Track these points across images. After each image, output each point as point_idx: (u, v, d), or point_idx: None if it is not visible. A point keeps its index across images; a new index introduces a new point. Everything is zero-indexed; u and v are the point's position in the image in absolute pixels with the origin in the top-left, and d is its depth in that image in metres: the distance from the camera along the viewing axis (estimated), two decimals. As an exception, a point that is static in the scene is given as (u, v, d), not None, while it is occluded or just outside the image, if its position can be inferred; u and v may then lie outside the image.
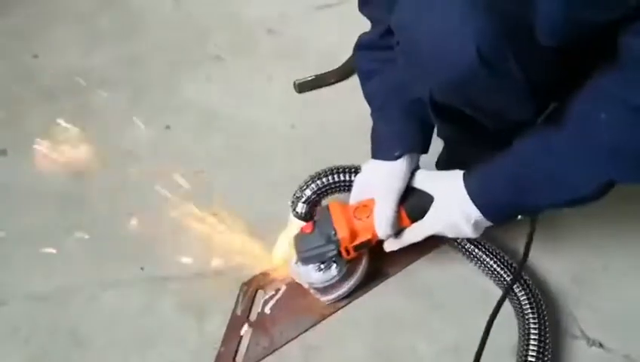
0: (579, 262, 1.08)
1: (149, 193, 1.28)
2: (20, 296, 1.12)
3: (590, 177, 0.78)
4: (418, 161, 0.99)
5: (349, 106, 1.45)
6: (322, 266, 1.00)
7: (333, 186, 1.06)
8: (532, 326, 0.94)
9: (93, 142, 1.42)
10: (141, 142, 1.41)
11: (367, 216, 0.95)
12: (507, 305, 0.98)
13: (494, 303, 1.00)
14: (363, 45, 1.05)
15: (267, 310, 1.06)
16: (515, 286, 0.97)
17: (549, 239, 1.01)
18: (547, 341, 0.92)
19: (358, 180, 1.01)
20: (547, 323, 0.94)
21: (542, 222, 0.97)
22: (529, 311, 0.95)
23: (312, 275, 1.01)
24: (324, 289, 1.02)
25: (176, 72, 1.60)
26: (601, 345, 0.98)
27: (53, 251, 1.19)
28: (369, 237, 0.96)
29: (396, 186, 0.94)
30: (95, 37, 1.74)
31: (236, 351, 1.00)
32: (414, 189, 0.95)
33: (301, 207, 1.05)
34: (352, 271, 1.03)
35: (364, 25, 1.57)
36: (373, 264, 1.06)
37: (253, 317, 1.05)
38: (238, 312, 1.05)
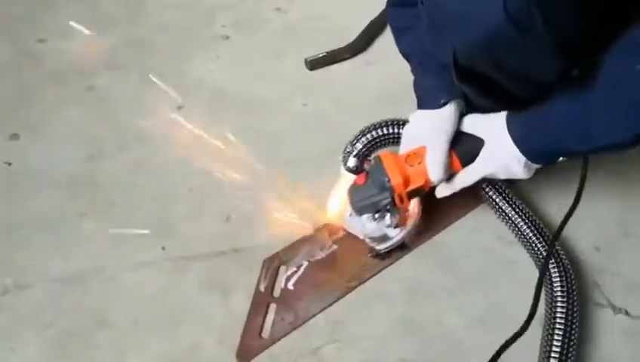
0: (601, 230, 1.08)
1: (165, 173, 1.28)
2: (41, 280, 1.11)
3: (626, 127, 0.78)
4: (463, 106, 0.98)
5: (362, 82, 1.45)
6: (376, 216, 1.00)
7: (383, 139, 1.07)
8: (559, 295, 0.94)
9: (105, 124, 1.41)
10: (154, 123, 1.39)
11: (419, 163, 0.96)
12: (534, 273, 0.97)
13: (519, 273, 1.01)
14: (394, 2, 1.04)
15: (290, 286, 1.05)
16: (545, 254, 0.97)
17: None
18: (575, 309, 0.92)
19: (406, 130, 1.02)
20: (575, 293, 0.94)
21: (563, 191, 0.97)
22: (557, 279, 0.95)
23: (366, 226, 1.02)
24: (379, 239, 1.03)
25: (184, 53, 1.58)
26: (627, 313, 0.98)
27: (71, 234, 1.19)
28: (422, 182, 0.96)
29: (446, 130, 0.94)
30: (101, 20, 1.71)
31: (262, 327, 1.00)
32: (464, 133, 0.96)
33: (352, 161, 1.07)
34: (406, 219, 1.05)
35: (371, 1, 1.57)
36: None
37: (276, 293, 1.05)
38: (262, 289, 1.05)
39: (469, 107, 1.01)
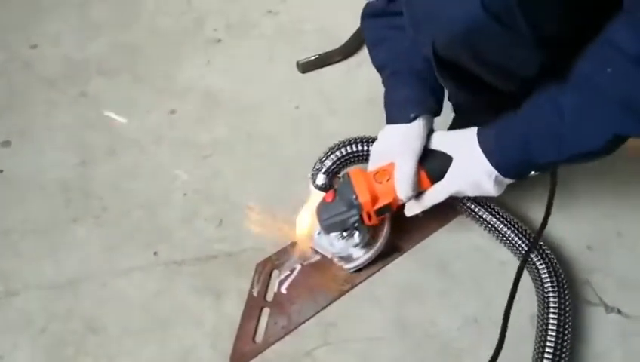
0: (593, 229, 1.08)
1: (157, 178, 1.28)
2: (32, 286, 1.11)
3: (600, 132, 0.78)
4: (433, 123, 0.98)
5: (354, 85, 1.44)
6: (345, 234, 1.00)
7: (352, 156, 1.05)
8: (551, 295, 0.93)
9: (97, 129, 1.40)
10: (146, 128, 1.39)
11: (388, 180, 0.95)
12: (525, 275, 0.98)
13: (511, 273, 1.00)
14: (370, 13, 1.05)
15: (283, 290, 1.05)
16: (532, 254, 0.97)
17: (562, 207, 1.01)
18: (567, 309, 0.92)
19: (375, 147, 1.01)
20: (567, 292, 0.94)
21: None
22: (547, 279, 0.95)
23: (335, 244, 1.01)
24: (348, 258, 1.02)
25: (176, 57, 1.58)
26: (619, 311, 0.98)
27: (63, 240, 1.18)
28: (390, 200, 0.96)
29: (414, 146, 0.93)
30: (93, 25, 1.71)
31: (255, 331, 1.00)
32: (432, 150, 0.95)
33: (321, 178, 1.05)
34: (375, 237, 1.03)
35: (362, 3, 1.56)
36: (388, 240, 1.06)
37: (269, 297, 1.05)
38: (255, 293, 1.05)
39: (455, 111, 1.02)
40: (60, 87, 1.53)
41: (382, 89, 1.35)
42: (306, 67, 1.47)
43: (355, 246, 1.02)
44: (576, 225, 1.08)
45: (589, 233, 1.07)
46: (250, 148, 1.32)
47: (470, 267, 1.05)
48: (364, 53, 1.52)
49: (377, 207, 0.96)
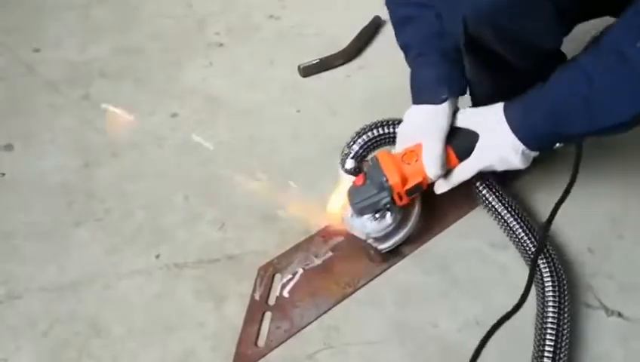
0: (594, 232, 1.08)
1: (160, 181, 1.28)
2: (35, 289, 1.11)
3: (626, 106, 0.79)
4: (457, 102, 1.00)
5: (355, 88, 1.45)
6: (377, 216, 1.02)
7: (379, 139, 1.08)
8: (551, 297, 0.94)
9: (99, 132, 1.41)
10: (148, 131, 1.40)
11: (416, 160, 0.97)
12: (524, 275, 0.97)
13: (512, 276, 1.02)
14: None
15: (285, 293, 1.05)
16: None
17: (562, 209, 1.01)
18: (566, 311, 0.92)
19: (401, 129, 1.03)
20: (567, 294, 0.94)
21: (553, 191, 0.97)
22: (549, 281, 0.95)
23: (367, 226, 1.03)
24: (381, 239, 1.04)
25: (177, 61, 1.59)
26: (620, 315, 0.98)
27: (65, 243, 1.19)
28: (420, 180, 0.97)
29: (441, 126, 0.95)
30: (95, 28, 1.72)
31: (257, 335, 1.00)
32: (458, 128, 0.97)
33: (350, 163, 1.08)
34: (407, 217, 1.05)
35: (363, 8, 1.58)
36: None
37: (271, 301, 1.05)
38: (257, 297, 1.05)
39: (473, 95, 1.06)
40: (63, 91, 1.53)
41: (382, 93, 1.38)
42: (307, 71, 1.48)
43: (388, 226, 1.03)
44: (577, 228, 1.08)
45: (590, 236, 1.08)
46: (252, 152, 1.32)
47: (471, 270, 1.05)
48: (364, 57, 1.53)
49: (407, 187, 0.98)
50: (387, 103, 1.32)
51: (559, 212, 0.97)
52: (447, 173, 0.98)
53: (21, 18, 1.78)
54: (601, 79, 0.80)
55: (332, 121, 1.36)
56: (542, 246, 0.97)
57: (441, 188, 1.01)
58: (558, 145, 0.91)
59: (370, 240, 1.05)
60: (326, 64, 1.49)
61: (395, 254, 1.08)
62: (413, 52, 1.03)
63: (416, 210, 1.06)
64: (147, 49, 1.64)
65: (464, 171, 0.98)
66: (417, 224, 1.07)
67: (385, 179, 0.97)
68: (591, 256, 1.06)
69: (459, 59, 0.98)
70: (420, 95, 0.99)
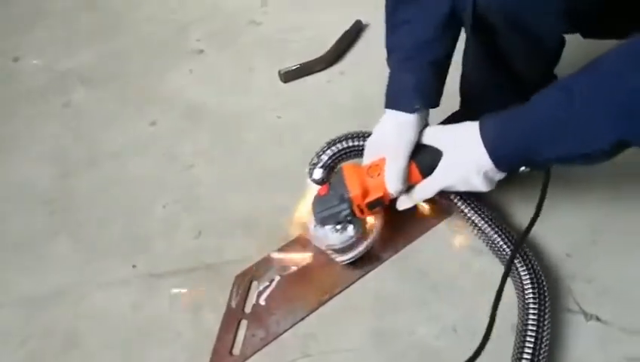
0: (572, 236, 1.07)
1: (139, 190, 1.28)
2: (11, 300, 1.11)
3: (604, 134, 0.76)
4: (428, 117, 0.99)
5: (336, 94, 1.44)
6: (339, 227, 1.01)
7: (348, 151, 1.08)
8: (531, 302, 0.93)
9: (80, 140, 1.40)
10: (127, 139, 1.39)
11: (379, 174, 0.96)
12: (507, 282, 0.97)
13: (491, 282, 1.00)
14: None
15: (262, 301, 1.05)
16: (516, 260, 0.97)
17: (541, 214, 1.01)
18: (547, 316, 0.92)
19: (369, 141, 1.02)
20: (547, 300, 0.94)
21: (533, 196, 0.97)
22: (529, 286, 0.94)
23: (330, 237, 1.02)
24: (342, 251, 1.04)
25: (159, 68, 1.58)
26: (598, 319, 0.97)
27: (43, 253, 1.18)
28: (381, 194, 0.96)
29: (406, 139, 0.94)
30: (76, 36, 1.72)
31: (233, 344, 1.00)
32: (424, 145, 0.96)
33: (318, 173, 1.08)
34: (368, 231, 1.04)
35: (344, 12, 1.58)
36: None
37: (248, 308, 1.04)
38: (233, 305, 1.04)
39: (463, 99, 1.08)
40: (44, 99, 1.53)
41: (364, 98, 1.38)
42: (288, 77, 1.47)
43: (350, 238, 1.02)
44: (556, 233, 1.07)
45: (568, 240, 1.07)
46: (232, 159, 1.32)
47: (449, 276, 1.04)
48: (345, 62, 1.53)
49: (368, 200, 0.97)
50: (368, 108, 1.31)
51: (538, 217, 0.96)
52: (410, 189, 0.97)
53: (2, 26, 1.77)
54: (585, 89, 0.77)
55: (313, 127, 1.36)
56: (515, 254, 0.96)
57: (403, 204, 0.99)
58: (523, 168, 0.89)
59: (329, 252, 1.04)
60: (307, 69, 1.48)
61: (372, 260, 1.07)
62: (400, 55, 1.01)
63: (378, 224, 1.05)
64: (128, 56, 1.63)
65: (426, 189, 0.96)
66: (380, 238, 1.06)
67: (346, 190, 0.96)
68: (570, 260, 1.05)
69: (443, 72, 0.98)
70: (394, 100, 0.98)
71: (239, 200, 1.22)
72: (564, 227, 1.08)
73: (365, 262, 1.06)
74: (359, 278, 1.06)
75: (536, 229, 1.03)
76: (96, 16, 1.78)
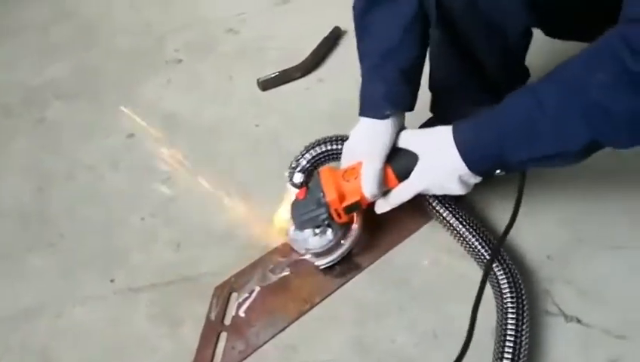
0: (552, 239, 1.07)
1: (116, 203, 1.26)
2: (-13, 318, 1.09)
3: (576, 134, 0.76)
4: (404, 120, 0.99)
5: (314, 101, 1.44)
6: (318, 231, 1.01)
7: (328, 155, 1.08)
8: (510, 305, 0.93)
9: (55, 154, 1.38)
10: (104, 152, 1.38)
11: (355, 178, 0.95)
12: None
13: (470, 287, 0.99)
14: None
15: (241, 313, 1.03)
16: (493, 264, 0.96)
17: (521, 217, 1.01)
18: (525, 320, 0.91)
19: (346, 145, 1.02)
20: (525, 303, 0.93)
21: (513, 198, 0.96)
22: (507, 289, 0.94)
23: (309, 241, 1.02)
24: (321, 255, 1.03)
25: (136, 79, 1.57)
26: (578, 321, 0.97)
27: (19, 269, 1.16)
28: (357, 198, 0.96)
29: (382, 144, 0.94)
30: (50, 49, 1.70)
31: (212, 357, 0.98)
32: (400, 149, 0.95)
33: (297, 177, 1.07)
34: (346, 235, 1.04)
35: (323, 19, 1.57)
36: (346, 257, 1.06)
37: (227, 320, 1.03)
38: (212, 317, 1.03)
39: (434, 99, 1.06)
40: (18, 114, 1.51)
41: (342, 105, 1.37)
42: (266, 85, 1.47)
43: (329, 242, 1.02)
44: (536, 235, 1.08)
45: (548, 242, 1.07)
46: (210, 169, 1.30)
47: (429, 282, 1.04)
48: (323, 69, 1.52)
49: (345, 205, 0.97)
50: (347, 115, 1.29)
51: (517, 218, 0.96)
52: (386, 192, 0.97)
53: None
54: (555, 100, 0.77)
55: (292, 135, 1.35)
56: (493, 259, 0.96)
57: (380, 208, 0.99)
58: (498, 172, 0.88)
59: (308, 256, 1.04)
60: (285, 77, 1.48)
61: (352, 268, 1.06)
62: (368, 63, 1.01)
63: (355, 228, 1.05)
64: (105, 69, 1.62)
65: (402, 193, 0.96)
66: (359, 242, 1.06)
67: (322, 194, 0.96)
68: (550, 262, 1.05)
69: (414, 76, 0.98)
70: (365, 107, 0.98)
71: (217, 211, 1.21)
72: (543, 229, 1.08)
73: (345, 269, 1.06)
74: (339, 287, 1.05)
75: (515, 232, 1.04)
76: (69, 30, 1.76)
